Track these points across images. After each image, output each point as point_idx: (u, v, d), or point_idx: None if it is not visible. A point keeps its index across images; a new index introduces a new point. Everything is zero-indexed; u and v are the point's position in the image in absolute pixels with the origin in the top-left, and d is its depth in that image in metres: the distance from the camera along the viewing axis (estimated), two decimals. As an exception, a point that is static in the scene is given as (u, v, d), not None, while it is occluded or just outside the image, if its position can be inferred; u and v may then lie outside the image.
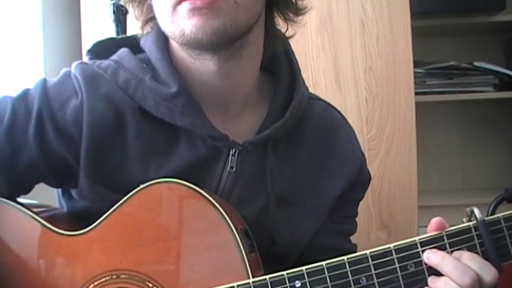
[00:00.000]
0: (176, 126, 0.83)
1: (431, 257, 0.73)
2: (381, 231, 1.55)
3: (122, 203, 0.80)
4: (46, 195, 0.90)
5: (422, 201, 1.60)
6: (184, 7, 0.76)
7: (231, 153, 0.85)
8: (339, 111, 0.98)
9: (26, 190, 0.86)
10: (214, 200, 0.78)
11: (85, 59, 0.92)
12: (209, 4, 0.74)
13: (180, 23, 0.77)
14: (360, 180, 0.96)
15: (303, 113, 0.91)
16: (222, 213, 0.77)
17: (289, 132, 0.89)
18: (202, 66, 0.83)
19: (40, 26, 1.72)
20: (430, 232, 0.74)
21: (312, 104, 0.94)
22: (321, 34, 1.57)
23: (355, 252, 0.96)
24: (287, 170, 0.90)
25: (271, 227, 0.88)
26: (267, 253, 0.82)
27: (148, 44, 0.87)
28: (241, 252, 0.76)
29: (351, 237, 1.00)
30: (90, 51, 0.92)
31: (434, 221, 0.74)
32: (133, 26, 0.96)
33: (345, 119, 0.98)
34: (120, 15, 1.25)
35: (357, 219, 1.01)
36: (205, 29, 0.75)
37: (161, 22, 0.81)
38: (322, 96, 0.99)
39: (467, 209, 0.75)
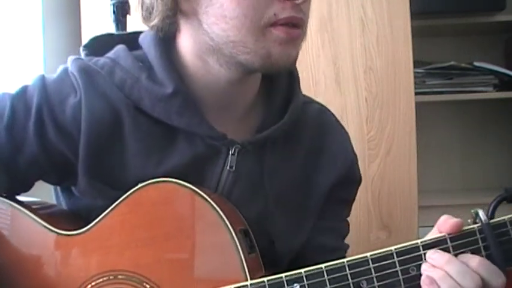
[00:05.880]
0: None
1: (436, 257, 0.71)
2: (381, 232, 1.55)
3: (119, 203, 0.80)
4: (44, 192, 0.90)
5: (422, 201, 1.60)
6: (279, 34, 0.76)
7: (230, 152, 0.84)
8: (332, 113, 0.98)
9: (27, 187, 0.86)
10: (213, 199, 0.77)
11: (82, 54, 0.90)
12: (298, 36, 0.79)
13: (267, 45, 0.77)
14: (349, 179, 0.96)
15: (299, 114, 0.90)
16: (219, 214, 0.77)
17: (286, 133, 0.89)
18: (227, 74, 0.82)
19: (40, 26, 1.72)
20: (439, 229, 0.73)
21: (306, 106, 0.94)
22: (321, 34, 1.57)
23: (346, 250, 0.96)
24: (285, 172, 0.89)
25: (270, 228, 0.87)
26: (265, 254, 0.82)
27: (146, 41, 0.86)
28: (239, 254, 0.75)
29: (348, 238, 0.99)
30: (86, 47, 0.91)
31: (444, 220, 0.72)
32: (134, 26, 0.95)
33: (338, 121, 0.98)
34: (120, 15, 1.24)
35: (357, 219, 1.00)
36: (291, 59, 0.79)
37: (233, 31, 0.76)
38: (322, 96, 0.99)
39: (472, 211, 0.73)
